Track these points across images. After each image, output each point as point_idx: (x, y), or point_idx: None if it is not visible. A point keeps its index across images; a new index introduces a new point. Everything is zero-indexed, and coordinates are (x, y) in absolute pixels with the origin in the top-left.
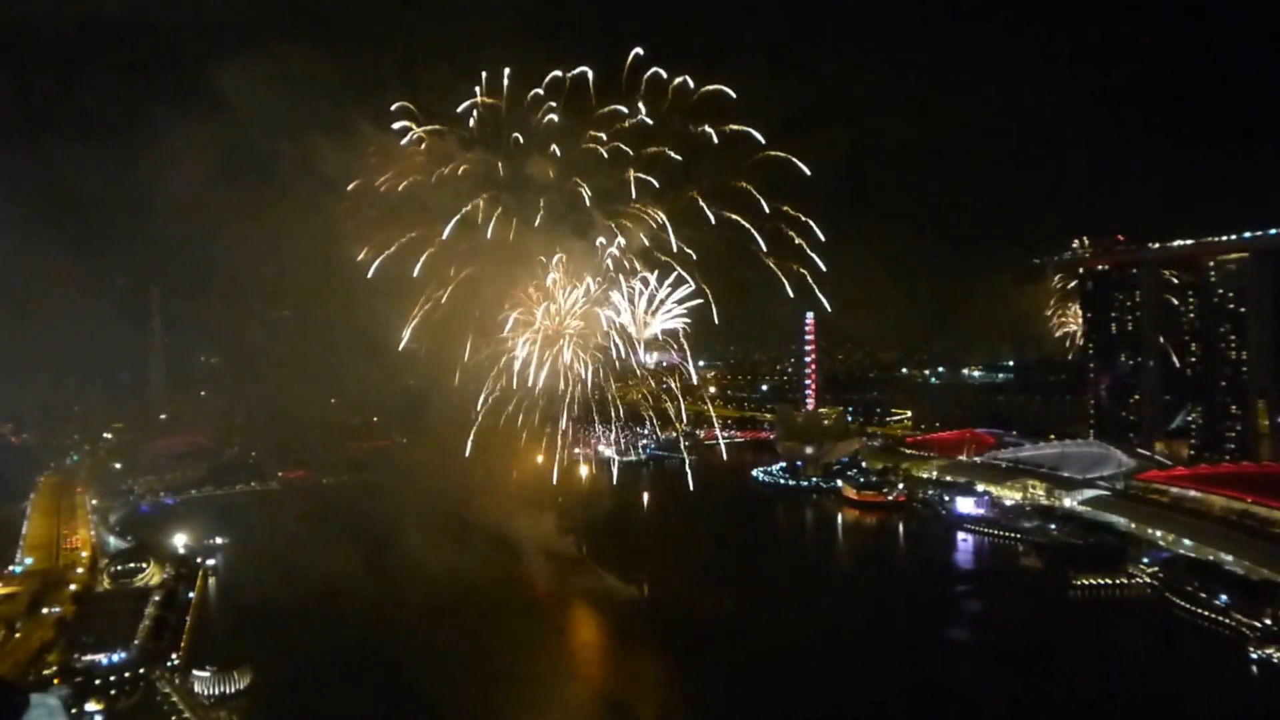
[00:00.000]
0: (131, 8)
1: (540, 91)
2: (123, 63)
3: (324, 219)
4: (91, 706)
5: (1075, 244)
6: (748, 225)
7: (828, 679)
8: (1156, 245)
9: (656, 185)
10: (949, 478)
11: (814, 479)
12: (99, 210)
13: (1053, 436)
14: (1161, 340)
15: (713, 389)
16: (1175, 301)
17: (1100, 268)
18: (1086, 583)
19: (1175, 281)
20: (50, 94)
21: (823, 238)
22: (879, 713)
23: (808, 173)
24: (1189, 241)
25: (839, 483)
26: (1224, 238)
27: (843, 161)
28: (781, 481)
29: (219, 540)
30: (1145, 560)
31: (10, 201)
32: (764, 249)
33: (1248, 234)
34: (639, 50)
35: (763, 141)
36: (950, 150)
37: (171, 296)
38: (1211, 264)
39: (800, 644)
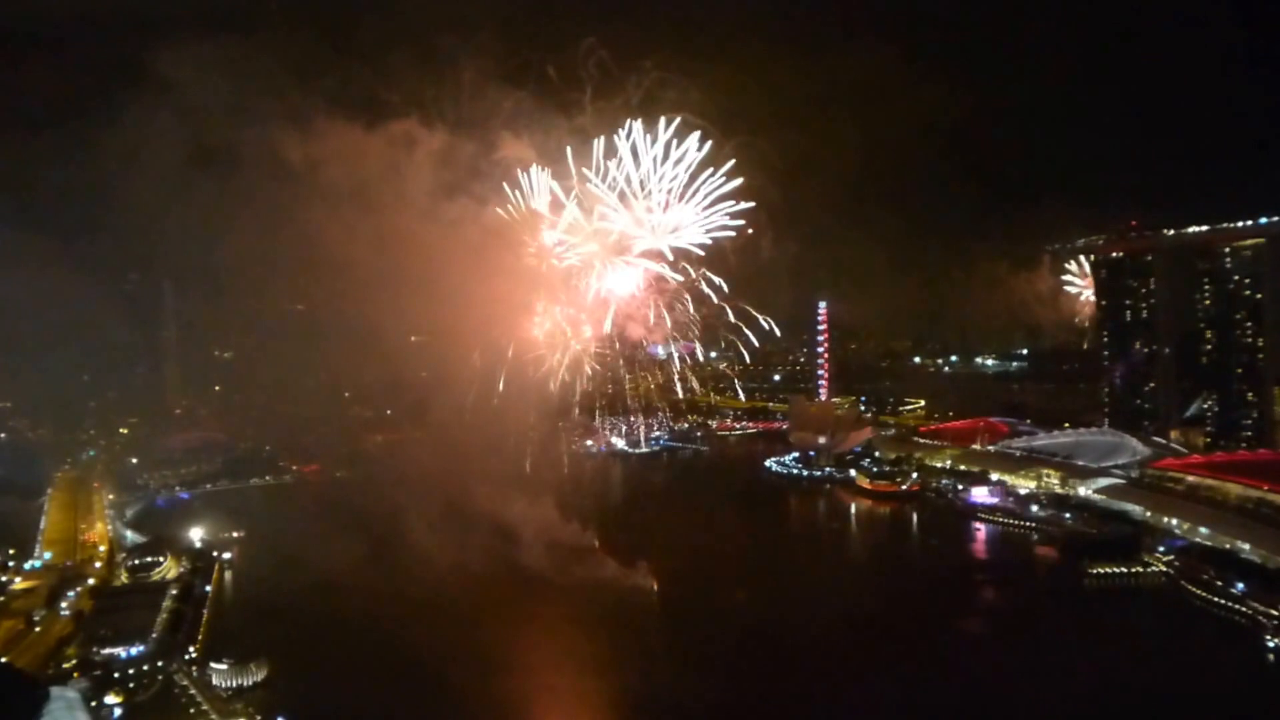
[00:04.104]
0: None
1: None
2: (123, 59)
3: (332, 214)
4: (110, 699)
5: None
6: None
7: (838, 669)
8: (1171, 232)
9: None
10: (963, 467)
11: (827, 469)
12: (111, 207)
13: (1067, 425)
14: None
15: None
16: (1190, 288)
17: (1114, 255)
18: (1101, 571)
19: (1191, 268)
20: (56, 90)
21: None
22: (890, 702)
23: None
24: (1204, 228)
25: (852, 472)
26: (1240, 224)
27: (852, 149)
28: (795, 471)
29: (234, 534)
30: (1161, 549)
31: (21, 200)
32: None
33: (1264, 220)
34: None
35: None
36: (960, 138)
37: (185, 292)
38: (1227, 250)
39: (811, 634)
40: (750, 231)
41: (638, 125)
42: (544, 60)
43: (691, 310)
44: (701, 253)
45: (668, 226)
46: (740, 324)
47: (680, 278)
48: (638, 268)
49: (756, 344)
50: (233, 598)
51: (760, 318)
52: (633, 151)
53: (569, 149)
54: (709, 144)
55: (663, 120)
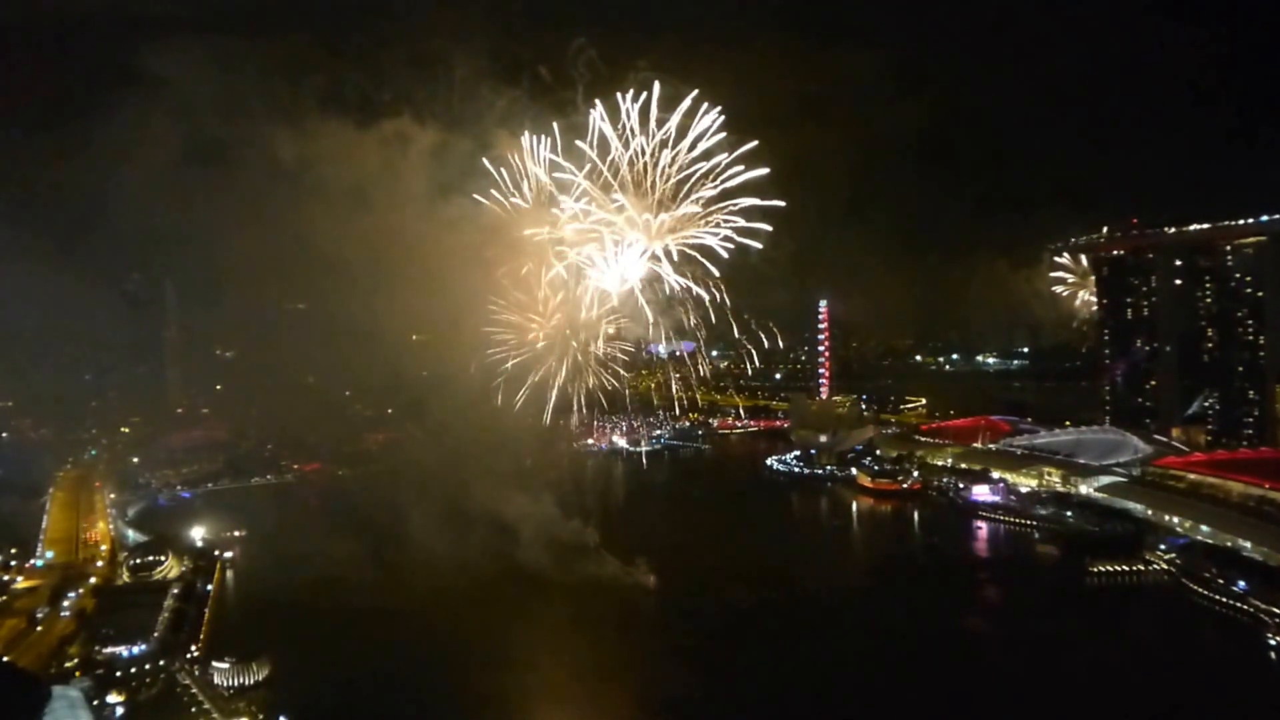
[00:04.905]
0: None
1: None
2: (124, 60)
3: (334, 214)
4: (113, 698)
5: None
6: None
7: (838, 665)
8: (1172, 229)
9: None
10: (964, 465)
11: (829, 467)
12: (113, 207)
13: (1068, 423)
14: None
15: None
16: (1191, 286)
17: (1115, 253)
18: (1103, 569)
19: (1192, 266)
20: (57, 90)
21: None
22: (891, 699)
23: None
24: (1205, 225)
25: (854, 471)
26: (1241, 221)
27: (852, 148)
28: (796, 470)
29: (236, 533)
30: (1162, 547)
31: (24, 200)
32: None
33: (1265, 217)
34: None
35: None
36: (962, 136)
37: (186, 291)
38: (1229, 248)
39: (812, 631)
40: (759, 229)
41: (636, 123)
42: (542, 57)
43: (692, 310)
44: (699, 256)
45: (668, 225)
46: (742, 337)
47: (681, 279)
48: (639, 266)
49: (756, 359)
50: (234, 597)
51: (759, 330)
52: (631, 147)
53: (570, 146)
54: (712, 140)
55: (654, 117)
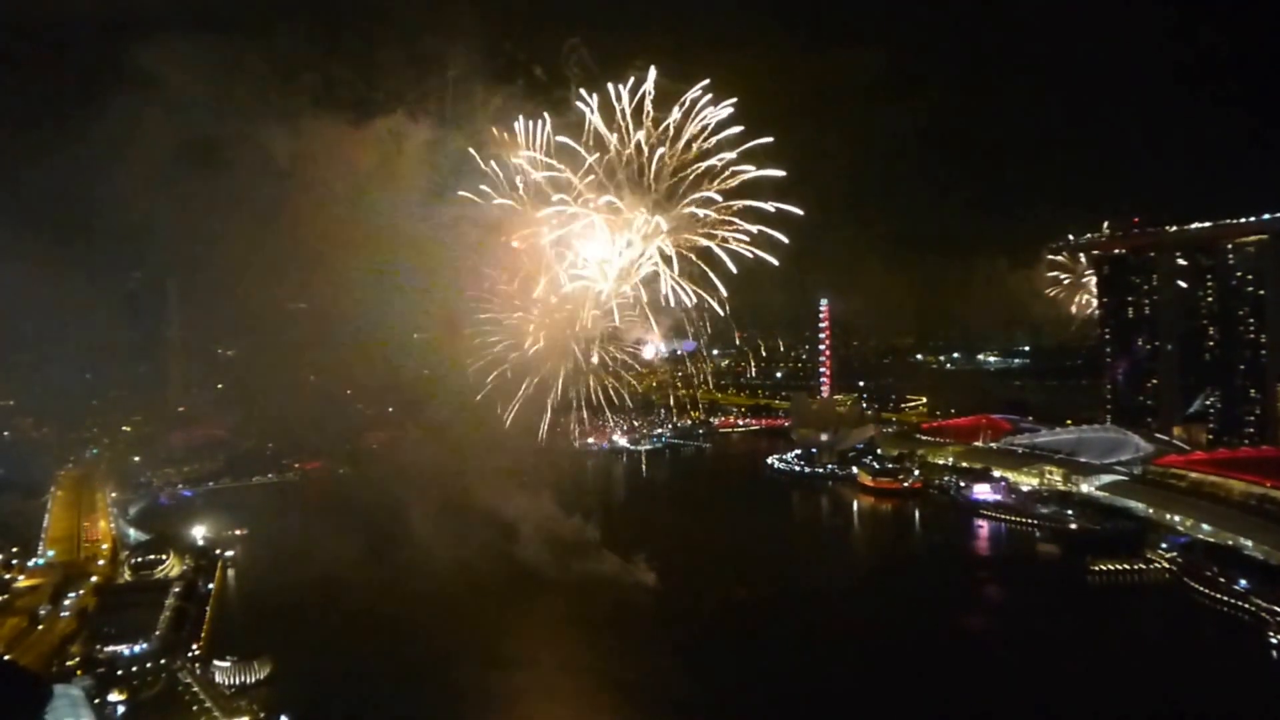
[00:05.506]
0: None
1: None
2: (125, 59)
3: (335, 213)
4: (114, 697)
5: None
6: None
7: (842, 663)
8: (1174, 228)
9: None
10: (965, 464)
11: (829, 466)
12: (114, 206)
13: (1069, 422)
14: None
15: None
16: (1193, 285)
17: (1117, 251)
18: (1104, 568)
19: (1193, 264)
20: (58, 88)
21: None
22: (892, 699)
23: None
24: (1207, 224)
25: (855, 470)
26: (1243, 220)
27: (853, 146)
28: (797, 469)
29: (237, 532)
30: (1163, 545)
31: (24, 199)
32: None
33: (1267, 216)
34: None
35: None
36: (964, 135)
37: (187, 290)
38: (1230, 246)
39: (812, 630)
40: (765, 233)
41: (631, 123)
42: (539, 57)
43: (694, 310)
44: (695, 258)
45: (670, 225)
46: (743, 337)
47: (682, 279)
48: (640, 265)
49: (754, 361)
50: (236, 595)
51: (759, 330)
52: (629, 145)
53: (571, 145)
54: (715, 139)
55: (648, 116)
